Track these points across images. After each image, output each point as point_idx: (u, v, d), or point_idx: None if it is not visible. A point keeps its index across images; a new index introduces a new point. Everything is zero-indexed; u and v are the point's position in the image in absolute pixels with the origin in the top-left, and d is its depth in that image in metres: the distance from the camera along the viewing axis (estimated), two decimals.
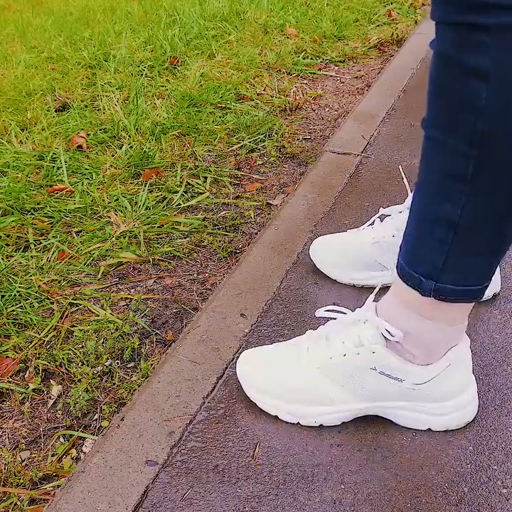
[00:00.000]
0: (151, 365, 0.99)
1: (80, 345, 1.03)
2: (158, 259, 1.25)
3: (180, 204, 1.44)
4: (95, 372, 0.98)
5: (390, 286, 0.79)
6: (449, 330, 0.75)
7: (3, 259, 1.25)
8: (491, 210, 0.64)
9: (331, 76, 2.27)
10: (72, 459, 0.86)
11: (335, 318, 0.83)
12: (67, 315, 1.11)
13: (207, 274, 1.21)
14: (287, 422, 0.82)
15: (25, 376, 0.99)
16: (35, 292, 1.15)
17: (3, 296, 1.14)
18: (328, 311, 0.84)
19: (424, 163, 0.68)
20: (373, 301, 0.80)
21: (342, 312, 0.83)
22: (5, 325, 1.08)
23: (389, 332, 0.75)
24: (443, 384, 0.78)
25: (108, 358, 1.00)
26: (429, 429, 0.80)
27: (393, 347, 0.76)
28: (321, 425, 0.81)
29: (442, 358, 0.77)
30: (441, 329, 0.74)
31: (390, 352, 0.76)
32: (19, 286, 1.16)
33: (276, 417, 0.82)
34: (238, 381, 0.87)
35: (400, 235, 1.02)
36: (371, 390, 0.79)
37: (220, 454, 0.78)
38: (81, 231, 1.35)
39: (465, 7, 0.55)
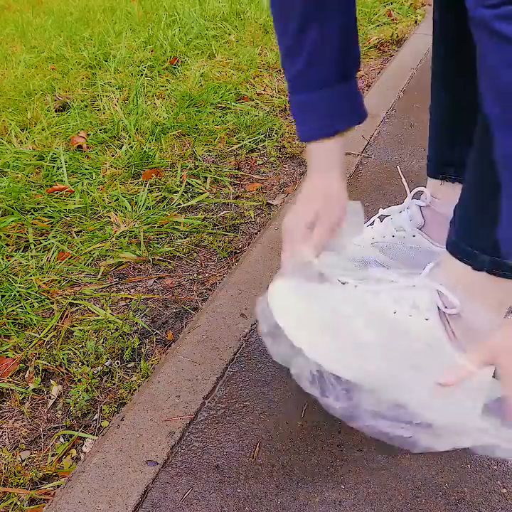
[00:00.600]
0: (151, 365, 0.99)
1: (80, 345, 1.03)
2: (158, 259, 1.25)
3: (180, 204, 1.44)
4: (95, 372, 0.98)
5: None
6: (493, 318, 0.72)
7: (3, 259, 1.25)
8: None
9: None
10: (72, 459, 0.86)
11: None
12: (67, 315, 1.11)
13: (207, 274, 1.21)
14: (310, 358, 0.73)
15: (25, 376, 0.99)
16: (35, 292, 1.15)
17: (3, 296, 1.14)
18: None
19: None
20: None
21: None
22: (5, 325, 1.08)
23: (444, 304, 0.72)
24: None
25: (108, 358, 1.00)
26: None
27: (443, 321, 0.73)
28: (338, 377, 0.73)
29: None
30: (487, 315, 0.71)
31: (441, 324, 0.72)
32: (19, 286, 1.16)
33: (300, 349, 0.73)
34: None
35: (399, 235, 1.02)
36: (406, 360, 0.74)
37: (220, 454, 0.78)
38: (81, 231, 1.35)
39: None
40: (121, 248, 1.28)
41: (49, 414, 0.93)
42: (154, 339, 1.05)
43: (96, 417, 0.92)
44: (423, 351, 0.74)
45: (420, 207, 1.02)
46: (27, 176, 1.56)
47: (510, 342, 0.57)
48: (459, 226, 0.74)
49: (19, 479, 0.82)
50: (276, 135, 1.76)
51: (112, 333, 1.05)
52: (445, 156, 0.96)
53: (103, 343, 1.03)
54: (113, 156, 1.65)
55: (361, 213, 0.81)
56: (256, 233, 1.33)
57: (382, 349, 0.74)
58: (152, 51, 2.42)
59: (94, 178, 1.55)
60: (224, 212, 1.42)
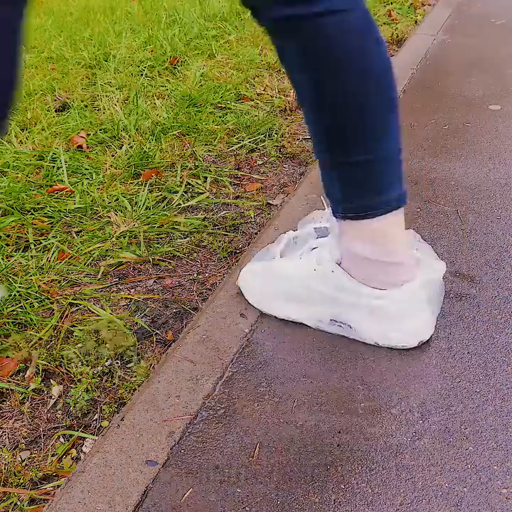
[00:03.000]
0: (151, 365, 0.99)
1: (80, 345, 1.03)
2: (158, 259, 1.25)
3: (180, 204, 1.44)
4: (95, 372, 0.98)
5: None
6: (377, 252, 0.88)
7: (3, 259, 1.25)
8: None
9: None
10: (72, 459, 0.86)
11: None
12: (67, 315, 1.11)
13: (207, 274, 1.21)
14: (284, 320, 0.99)
15: (25, 376, 0.99)
16: (35, 292, 1.15)
17: (3, 296, 1.14)
18: (316, 228, 1.03)
19: None
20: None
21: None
22: (5, 325, 1.08)
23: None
24: (393, 308, 0.91)
25: (108, 358, 1.00)
26: (376, 343, 0.93)
27: (347, 267, 0.92)
28: (303, 324, 0.97)
29: (398, 289, 0.90)
30: (372, 251, 0.88)
31: (343, 272, 0.92)
32: (19, 286, 1.16)
33: (275, 317, 0.99)
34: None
35: None
36: (336, 299, 0.94)
37: (220, 454, 0.78)
38: (81, 231, 1.35)
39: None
40: (121, 248, 1.28)
41: (49, 414, 0.93)
42: (154, 339, 1.05)
43: (96, 417, 0.92)
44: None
45: None
46: (27, 176, 1.56)
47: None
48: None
49: (19, 479, 0.82)
50: (276, 135, 1.76)
51: (111, 333, 1.05)
52: None
53: (103, 343, 1.03)
54: (113, 156, 1.65)
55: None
56: (256, 233, 1.33)
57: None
58: (152, 51, 2.42)
59: (94, 178, 1.55)
60: (224, 212, 1.42)
